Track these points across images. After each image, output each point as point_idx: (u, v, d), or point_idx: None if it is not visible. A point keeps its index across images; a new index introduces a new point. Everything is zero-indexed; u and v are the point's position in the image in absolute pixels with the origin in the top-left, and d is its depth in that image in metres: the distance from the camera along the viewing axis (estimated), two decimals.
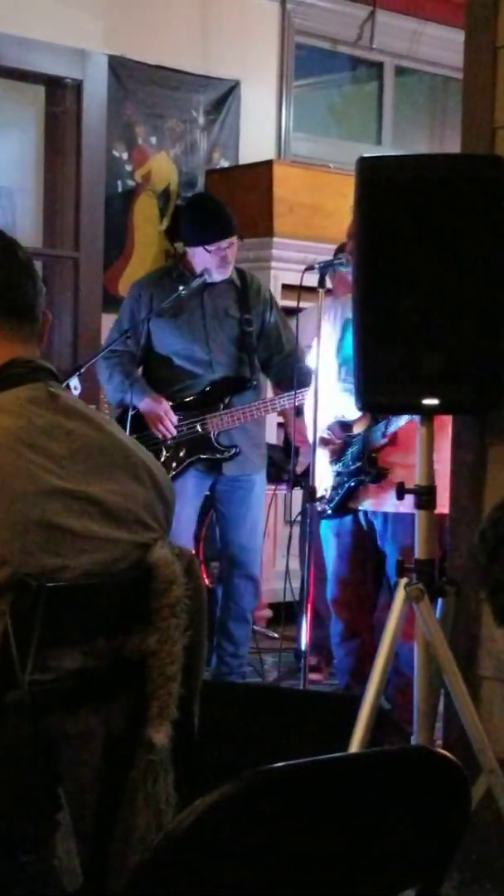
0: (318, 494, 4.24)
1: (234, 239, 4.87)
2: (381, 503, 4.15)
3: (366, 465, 4.15)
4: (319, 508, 4.30)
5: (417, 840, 1.30)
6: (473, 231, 2.96)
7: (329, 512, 4.27)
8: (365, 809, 1.24)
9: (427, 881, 1.37)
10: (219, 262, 4.82)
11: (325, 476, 4.28)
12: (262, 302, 4.97)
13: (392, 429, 4.07)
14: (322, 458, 4.26)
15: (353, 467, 4.18)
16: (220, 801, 1.10)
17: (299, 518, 4.53)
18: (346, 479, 4.19)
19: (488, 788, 2.92)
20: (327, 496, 4.25)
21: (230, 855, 1.13)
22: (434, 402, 3.01)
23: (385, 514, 4.18)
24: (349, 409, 4.13)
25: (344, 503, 4.21)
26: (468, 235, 2.96)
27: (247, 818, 1.13)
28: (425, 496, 3.07)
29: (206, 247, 4.80)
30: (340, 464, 4.21)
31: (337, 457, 4.23)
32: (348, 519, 4.26)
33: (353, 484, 4.18)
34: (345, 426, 4.21)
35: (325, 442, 4.26)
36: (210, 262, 4.81)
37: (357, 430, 4.21)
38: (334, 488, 4.20)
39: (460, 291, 2.97)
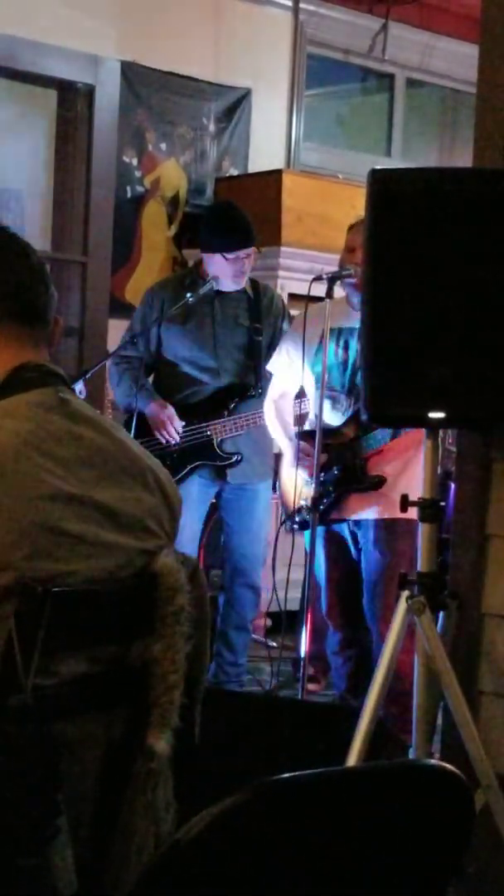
0: (297, 506, 4.24)
1: (253, 250, 4.86)
2: (371, 511, 4.15)
3: (358, 473, 4.13)
4: (298, 520, 4.28)
5: (420, 854, 1.30)
6: (484, 245, 2.96)
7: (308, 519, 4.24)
8: (370, 822, 1.25)
9: (428, 895, 1.37)
10: (234, 272, 4.81)
11: (300, 487, 4.25)
12: (274, 312, 4.97)
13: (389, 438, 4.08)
14: (298, 472, 4.24)
15: (337, 476, 4.15)
16: (229, 810, 1.10)
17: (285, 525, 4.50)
18: (329, 488, 4.16)
19: (485, 803, 2.92)
20: (307, 505, 4.22)
21: (237, 864, 1.13)
22: (440, 415, 3.01)
23: (370, 522, 4.17)
24: (329, 417, 4.13)
25: (327, 513, 4.18)
26: (479, 249, 2.96)
27: (255, 828, 1.13)
28: (429, 509, 3.07)
29: (225, 255, 4.79)
30: (322, 473, 4.12)
31: (319, 469, 4.14)
32: (332, 529, 4.24)
33: (336, 493, 4.15)
34: (326, 433, 4.15)
35: (306, 456, 4.22)
36: (226, 270, 4.80)
37: (342, 437, 4.19)
38: (316, 498, 4.13)
39: (469, 305, 2.97)
